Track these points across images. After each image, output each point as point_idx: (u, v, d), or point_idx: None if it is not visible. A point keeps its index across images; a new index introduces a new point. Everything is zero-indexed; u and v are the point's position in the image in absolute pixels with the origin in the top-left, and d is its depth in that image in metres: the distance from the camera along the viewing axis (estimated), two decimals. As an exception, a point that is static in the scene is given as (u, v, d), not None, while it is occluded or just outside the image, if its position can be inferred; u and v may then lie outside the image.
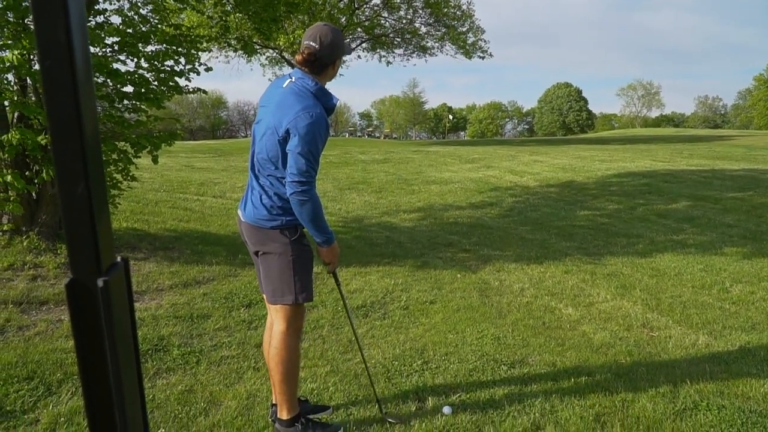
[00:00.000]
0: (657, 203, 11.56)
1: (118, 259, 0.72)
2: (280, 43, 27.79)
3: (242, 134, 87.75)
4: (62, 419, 3.12)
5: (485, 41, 34.69)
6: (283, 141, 2.72)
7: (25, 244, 5.94)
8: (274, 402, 3.20)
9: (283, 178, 2.78)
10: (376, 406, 3.38)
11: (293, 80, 2.85)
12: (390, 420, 3.21)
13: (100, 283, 0.65)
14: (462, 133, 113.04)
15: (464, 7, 32.89)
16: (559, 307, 5.48)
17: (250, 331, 4.62)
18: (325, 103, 2.82)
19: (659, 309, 5.43)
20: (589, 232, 9.16)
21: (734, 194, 12.23)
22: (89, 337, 0.66)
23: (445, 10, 32.08)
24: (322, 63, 2.83)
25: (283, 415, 3.04)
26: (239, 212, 3.03)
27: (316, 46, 2.79)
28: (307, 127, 2.66)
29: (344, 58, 2.88)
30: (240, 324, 4.78)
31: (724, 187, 13.07)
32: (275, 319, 3.00)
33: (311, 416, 3.18)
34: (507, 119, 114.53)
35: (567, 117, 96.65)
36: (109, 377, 0.66)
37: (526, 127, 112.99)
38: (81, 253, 0.66)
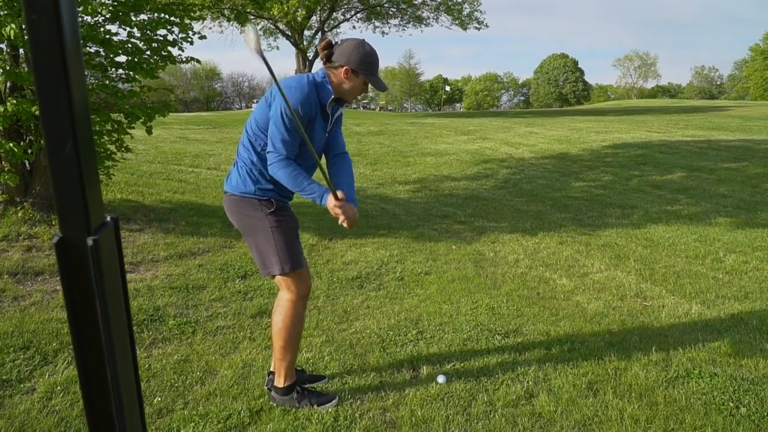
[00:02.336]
0: (652, 174, 11.56)
1: (108, 218, 0.71)
2: (275, 13, 27.46)
3: (237, 106, 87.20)
4: (58, 388, 3.14)
5: (481, 12, 34.38)
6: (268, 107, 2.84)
7: (19, 215, 5.92)
8: (270, 370, 3.22)
9: (263, 145, 2.87)
10: (372, 376, 3.42)
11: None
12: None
13: (89, 242, 0.65)
14: (458, 105, 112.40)
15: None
16: (553, 277, 5.50)
17: (246, 302, 4.64)
18: (320, 95, 2.87)
19: (653, 279, 5.46)
20: (584, 204, 9.17)
21: (729, 165, 12.23)
22: (80, 295, 0.65)
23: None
24: (332, 56, 2.89)
25: (280, 383, 3.07)
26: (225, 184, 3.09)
27: (336, 41, 2.93)
28: (286, 91, 2.64)
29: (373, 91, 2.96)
30: (235, 295, 4.79)
31: (719, 158, 13.07)
32: (280, 289, 3.04)
33: (307, 385, 3.21)
34: (503, 91, 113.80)
35: (563, 88, 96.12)
36: (100, 336, 0.66)
37: (522, 98, 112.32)
38: (70, 211, 0.66)
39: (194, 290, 4.84)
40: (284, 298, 3.00)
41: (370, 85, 2.96)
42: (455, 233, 7.27)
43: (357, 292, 4.94)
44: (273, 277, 2.98)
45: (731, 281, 5.42)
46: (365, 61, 2.87)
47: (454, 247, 6.54)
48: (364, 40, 2.94)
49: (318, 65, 3.02)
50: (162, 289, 4.80)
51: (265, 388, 3.23)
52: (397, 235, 6.99)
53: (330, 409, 3.02)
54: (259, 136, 2.88)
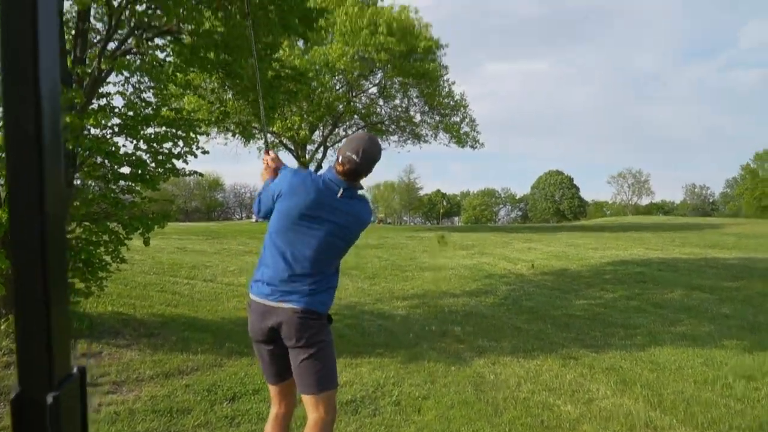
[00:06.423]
0: (653, 292, 11.47)
1: (75, 369, 0.63)
2: (276, 129, 28.32)
3: (237, 216, 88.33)
4: None
5: (478, 132, 35.41)
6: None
7: (2, 327, 5.75)
8: None
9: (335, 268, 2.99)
10: None
11: (344, 191, 2.90)
12: None
13: (49, 399, 0.57)
14: (456, 218, 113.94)
15: (457, 97, 33.78)
16: (557, 403, 5.27)
17: (232, 429, 4.37)
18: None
19: (662, 406, 5.23)
20: (586, 323, 9.00)
21: (729, 283, 12.17)
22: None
23: (439, 99, 32.88)
24: (358, 174, 2.93)
25: None
26: (279, 303, 2.81)
27: (357, 160, 2.84)
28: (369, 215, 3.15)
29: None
30: (222, 420, 4.52)
31: (718, 276, 13.04)
32: (320, 411, 2.80)
33: None
34: (501, 205, 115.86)
35: (561, 204, 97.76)
36: None
37: (519, 213, 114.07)
38: (31, 364, 0.58)
39: (178, 414, 4.59)
40: (328, 421, 2.81)
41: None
42: (454, 353, 7.07)
43: (351, 419, 4.69)
44: (322, 392, 2.81)
45: (744, 410, 5.19)
46: (380, 150, 3.04)
47: (453, 368, 6.32)
48: (368, 135, 3.05)
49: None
50: (144, 412, 4.54)
51: None
52: (395, 355, 6.79)
53: None
54: (334, 262, 3.00)
